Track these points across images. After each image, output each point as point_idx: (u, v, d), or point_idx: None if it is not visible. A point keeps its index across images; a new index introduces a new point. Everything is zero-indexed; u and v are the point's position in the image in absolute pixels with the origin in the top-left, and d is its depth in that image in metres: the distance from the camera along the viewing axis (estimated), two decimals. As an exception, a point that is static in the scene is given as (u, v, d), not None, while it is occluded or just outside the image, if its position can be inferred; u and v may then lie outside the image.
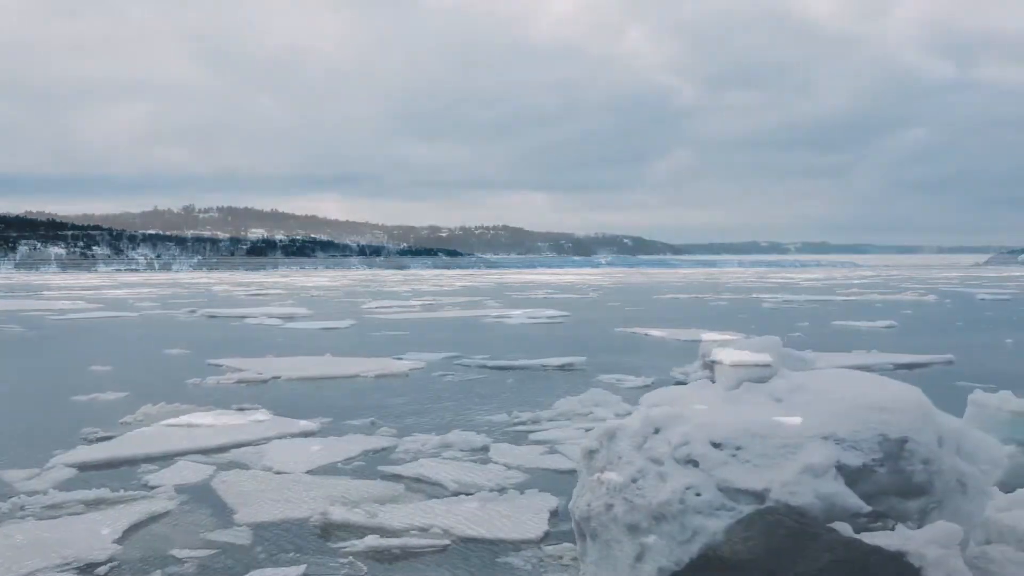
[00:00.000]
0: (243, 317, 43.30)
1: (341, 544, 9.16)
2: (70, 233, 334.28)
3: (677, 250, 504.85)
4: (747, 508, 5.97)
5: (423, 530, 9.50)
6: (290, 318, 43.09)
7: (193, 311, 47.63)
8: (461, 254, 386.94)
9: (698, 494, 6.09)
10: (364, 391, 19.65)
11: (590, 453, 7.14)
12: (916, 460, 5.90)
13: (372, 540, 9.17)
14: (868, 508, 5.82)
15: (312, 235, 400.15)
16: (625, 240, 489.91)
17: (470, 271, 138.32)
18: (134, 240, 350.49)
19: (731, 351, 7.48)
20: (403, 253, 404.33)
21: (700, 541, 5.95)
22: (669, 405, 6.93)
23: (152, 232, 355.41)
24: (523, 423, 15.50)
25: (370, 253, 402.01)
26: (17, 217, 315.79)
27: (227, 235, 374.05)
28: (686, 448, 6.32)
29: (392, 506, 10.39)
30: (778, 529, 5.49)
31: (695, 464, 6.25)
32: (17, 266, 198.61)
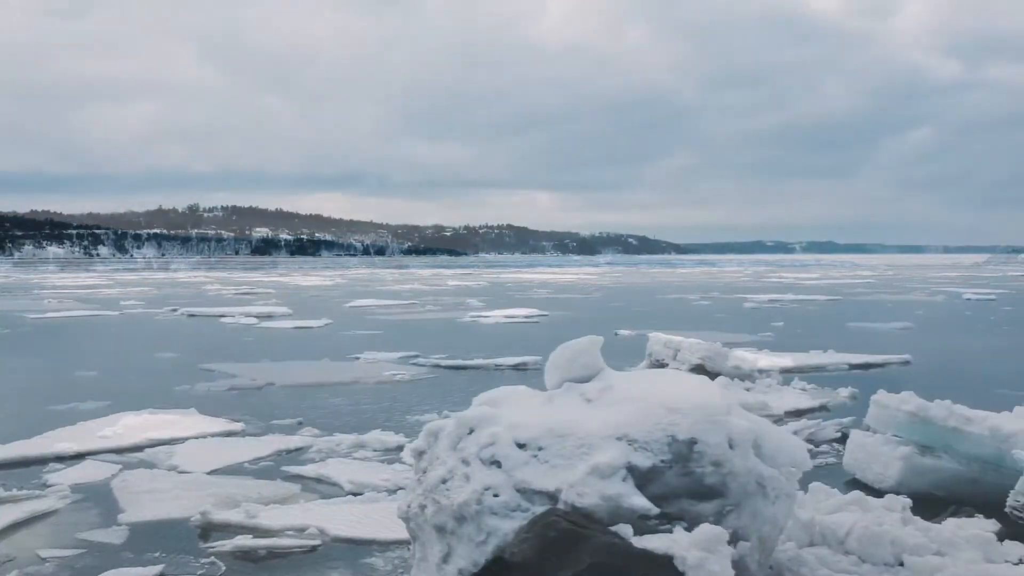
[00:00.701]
0: (222, 316, 43.37)
1: (210, 544, 9.20)
2: (74, 233, 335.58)
3: (682, 250, 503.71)
4: (540, 509, 5.98)
5: (299, 530, 9.52)
6: (268, 317, 43.15)
7: (175, 310, 47.74)
8: (464, 253, 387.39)
9: (496, 495, 6.11)
10: (305, 391, 19.69)
11: (418, 454, 7.15)
12: (706, 462, 5.89)
13: (242, 540, 9.21)
14: (657, 510, 5.82)
15: (316, 234, 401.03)
16: (629, 239, 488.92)
17: (468, 270, 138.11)
18: (138, 239, 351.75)
19: (562, 350, 7.43)
20: (407, 252, 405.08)
21: (493, 543, 5.97)
22: (490, 405, 6.93)
23: (156, 231, 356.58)
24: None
25: (374, 253, 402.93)
26: (15, 215, 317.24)
27: (231, 234, 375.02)
28: (491, 449, 6.34)
29: (277, 507, 10.42)
30: (550, 532, 5.50)
31: (498, 465, 6.26)
32: (16, 265, 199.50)
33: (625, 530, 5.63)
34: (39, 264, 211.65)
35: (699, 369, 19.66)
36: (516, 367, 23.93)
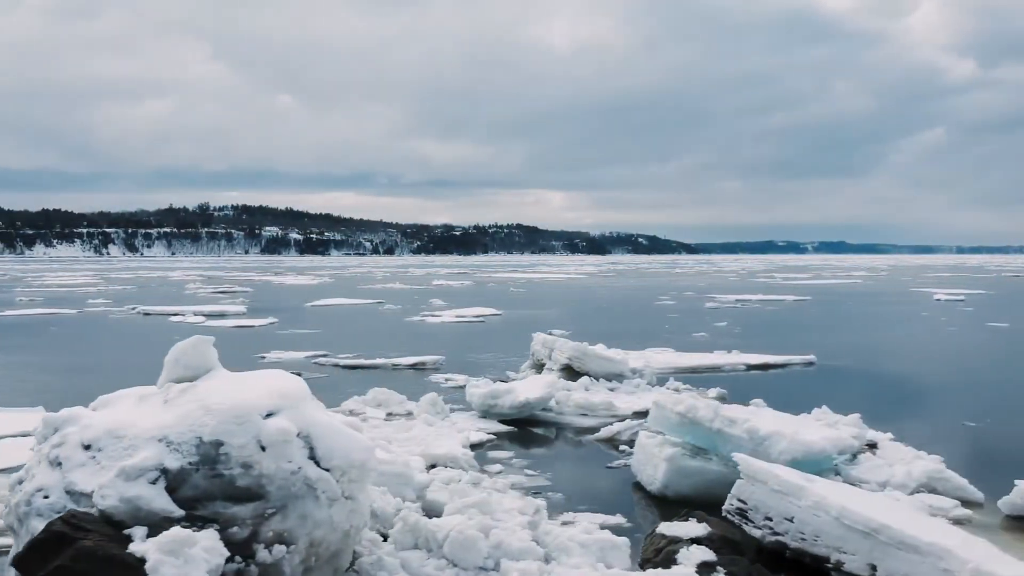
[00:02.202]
0: (174, 315, 43.53)
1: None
2: (85, 231, 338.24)
3: (692, 249, 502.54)
4: (83, 510, 5.96)
5: None
6: (220, 316, 43.32)
7: (133, 308, 48.00)
8: (474, 253, 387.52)
9: (46, 496, 6.10)
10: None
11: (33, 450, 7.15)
12: (234, 463, 5.86)
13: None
14: (181, 512, 5.79)
15: (326, 233, 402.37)
16: (639, 239, 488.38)
17: (465, 269, 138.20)
18: (148, 238, 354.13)
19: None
20: (416, 252, 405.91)
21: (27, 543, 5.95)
22: (102, 405, 6.92)
23: (166, 230, 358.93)
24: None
25: (384, 252, 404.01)
26: (27, 213, 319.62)
27: (241, 233, 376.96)
28: (59, 450, 6.34)
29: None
30: (43, 534, 5.48)
31: (60, 465, 6.25)
32: (21, 262, 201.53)
33: (139, 532, 5.61)
34: (48, 262, 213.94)
35: (567, 368, 19.63)
36: (413, 366, 23.95)
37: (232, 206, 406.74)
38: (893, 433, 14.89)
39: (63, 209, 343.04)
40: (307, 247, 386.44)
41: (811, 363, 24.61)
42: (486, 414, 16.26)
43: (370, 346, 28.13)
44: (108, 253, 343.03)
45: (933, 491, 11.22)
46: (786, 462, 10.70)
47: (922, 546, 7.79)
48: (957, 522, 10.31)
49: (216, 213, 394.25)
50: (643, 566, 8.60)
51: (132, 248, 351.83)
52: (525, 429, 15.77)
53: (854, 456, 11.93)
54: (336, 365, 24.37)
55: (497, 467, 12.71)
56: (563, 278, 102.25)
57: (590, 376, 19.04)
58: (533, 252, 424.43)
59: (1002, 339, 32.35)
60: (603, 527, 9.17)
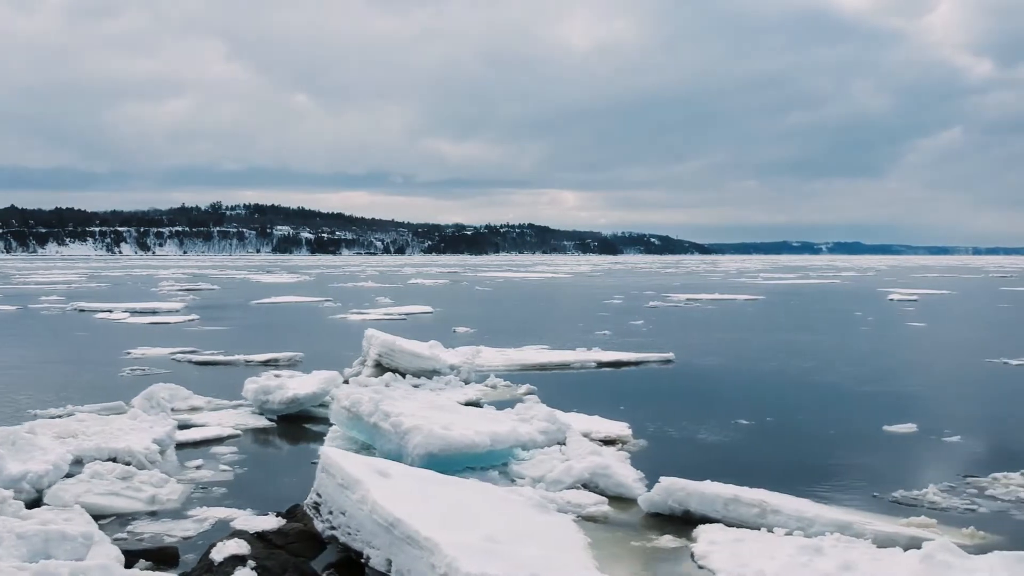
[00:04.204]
0: (109, 312, 43.81)
1: None
2: (97, 230, 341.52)
3: (705, 250, 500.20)
4: None
5: None
6: (152, 312, 43.63)
7: (74, 305, 48.39)
8: (485, 252, 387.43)
9: None
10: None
11: None
12: None
13: None
14: None
15: (337, 233, 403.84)
16: (652, 239, 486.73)
17: (455, 269, 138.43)
18: (160, 237, 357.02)
19: None
20: (427, 251, 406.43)
21: None
22: None
23: (178, 229, 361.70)
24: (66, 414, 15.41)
25: (395, 251, 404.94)
26: (40, 212, 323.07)
27: (253, 232, 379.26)
28: None
29: None
30: None
31: None
32: (26, 260, 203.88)
33: None
34: (57, 260, 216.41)
35: (377, 364, 19.58)
36: (266, 363, 23.93)
37: (244, 205, 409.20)
38: (652, 429, 14.88)
39: (78, 208, 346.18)
40: (318, 246, 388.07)
41: (668, 361, 24.41)
42: (261, 409, 16.25)
43: (255, 343, 28.12)
44: (120, 252, 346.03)
45: (595, 487, 11.08)
46: (420, 456, 10.63)
47: (420, 540, 7.69)
48: (590, 519, 10.21)
49: (228, 212, 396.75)
50: (201, 560, 8.54)
51: (144, 247, 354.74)
52: (290, 425, 15.74)
53: (525, 449, 11.77)
54: (190, 362, 24.47)
55: (198, 461, 12.68)
56: (543, 277, 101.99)
57: (399, 372, 18.97)
58: (544, 252, 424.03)
59: (893, 340, 31.90)
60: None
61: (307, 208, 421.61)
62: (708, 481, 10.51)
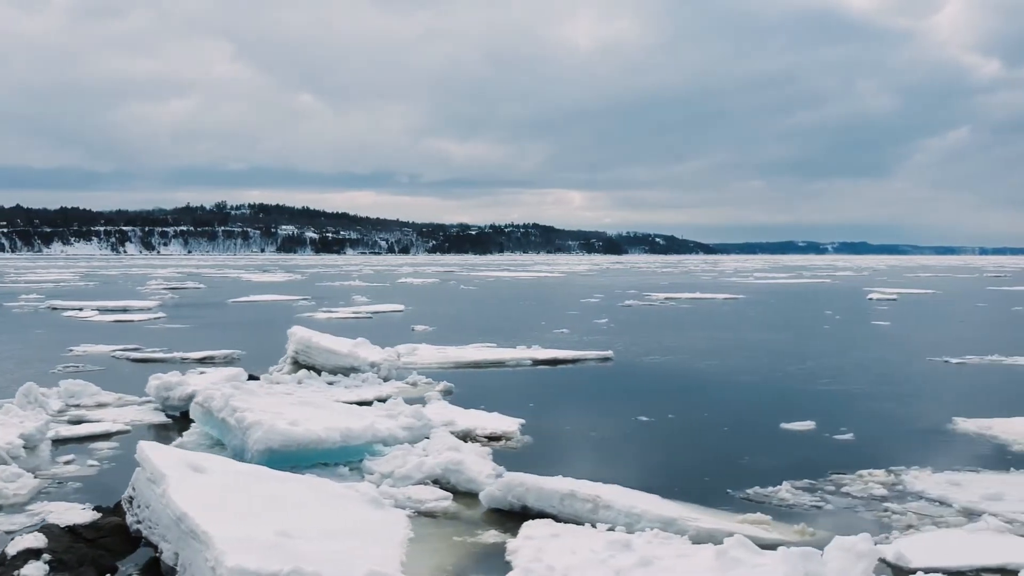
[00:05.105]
0: (79, 309, 43.92)
1: None
2: (102, 230, 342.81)
3: (710, 249, 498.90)
4: None
5: None
6: (123, 311, 43.74)
7: (48, 303, 48.55)
8: (490, 252, 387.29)
9: None
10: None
11: None
12: None
13: None
14: None
15: (342, 232, 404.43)
16: (656, 239, 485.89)
17: (452, 268, 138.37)
18: (165, 236, 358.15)
19: None
20: (432, 251, 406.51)
21: None
22: None
23: (183, 228, 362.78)
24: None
25: (399, 251, 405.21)
26: (45, 211, 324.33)
27: (258, 231, 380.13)
28: None
29: None
30: None
31: None
32: (30, 259, 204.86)
33: None
34: (62, 259, 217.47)
35: (294, 361, 19.56)
36: (202, 360, 23.96)
37: (249, 205, 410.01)
38: (547, 426, 14.86)
39: (83, 208, 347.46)
40: (322, 246, 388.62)
41: (607, 359, 24.34)
42: (164, 406, 16.24)
43: (205, 341, 28.01)
44: (125, 251, 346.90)
45: (447, 483, 11.04)
46: (260, 451, 10.60)
47: (199, 534, 7.65)
48: (428, 514, 10.16)
49: (233, 212, 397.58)
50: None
51: (149, 246, 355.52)
52: (188, 422, 15.68)
53: (386, 444, 11.72)
54: (128, 359, 24.51)
55: (70, 456, 12.66)
56: (536, 277, 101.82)
57: (315, 370, 18.95)
58: (549, 252, 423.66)
59: (846, 339, 31.66)
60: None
61: (312, 208, 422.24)
62: (548, 477, 10.44)
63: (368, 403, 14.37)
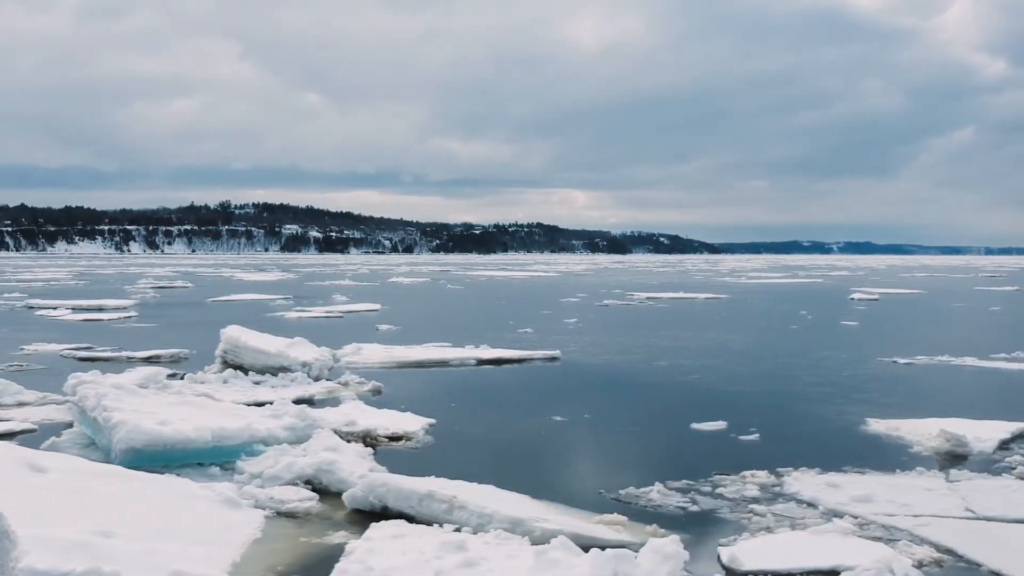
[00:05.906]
0: (53, 308, 44.07)
1: None
2: (106, 229, 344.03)
3: (715, 249, 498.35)
4: None
5: None
6: (98, 309, 43.89)
7: (26, 302, 48.74)
8: (494, 251, 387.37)
9: None
10: None
11: None
12: None
13: None
14: None
15: (345, 232, 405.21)
16: (661, 239, 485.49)
17: (449, 268, 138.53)
18: (169, 236, 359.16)
19: None
20: (435, 250, 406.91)
21: None
22: None
23: (187, 227, 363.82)
24: None
25: (403, 250, 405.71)
26: (49, 210, 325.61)
27: (262, 230, 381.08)
28: None
29: None
30: None
31: None
32: (32, 259, 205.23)
33: None
34: (66, 258, 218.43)
35: (223, 360, 19.56)
36: (148, 359, 23.99)
37: (253, 204, 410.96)
38: (456, 427, 14.86)
39: (87, 207, 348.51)
40: (326, 245, 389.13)
41: (554, 359, 24.31)
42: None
43: (160, 340, 28.09)
44: (129, 250, 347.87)
45: (319, 483, 11.02)
46: (123, 450, 10.59)
47: (10, 534, 7.63)
48: (288, 515, 10.13)
49: (237, 211, 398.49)
50: None
51: (153, 245, 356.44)
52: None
53: (266, 444, 11.70)
54: (75, 358, 24.54)
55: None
56: (529, 276, 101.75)
57: (242, 369, 18.95)
58: (553, 251, 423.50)
59: (806, 340, 31.53)
60: None
61: (316, 207, 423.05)
62: (413, 477, 10.41)
63: (270, 403, 14.32)
